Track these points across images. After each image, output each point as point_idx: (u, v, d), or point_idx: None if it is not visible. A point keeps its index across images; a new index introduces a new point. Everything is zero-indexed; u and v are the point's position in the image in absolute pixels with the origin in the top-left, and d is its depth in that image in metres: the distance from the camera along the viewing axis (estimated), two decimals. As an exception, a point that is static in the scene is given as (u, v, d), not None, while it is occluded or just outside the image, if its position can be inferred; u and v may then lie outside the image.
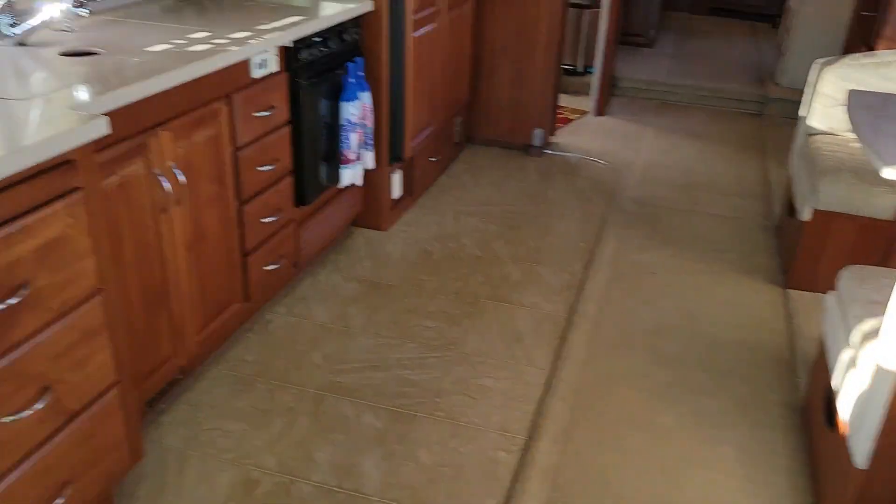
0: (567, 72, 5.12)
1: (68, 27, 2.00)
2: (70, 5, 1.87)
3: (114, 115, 1.65)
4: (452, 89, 3.63)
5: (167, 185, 1.87)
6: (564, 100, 4.84)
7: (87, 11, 1.89)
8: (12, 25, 1.91)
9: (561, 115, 4.60)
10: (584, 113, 4.78)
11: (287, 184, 2.48)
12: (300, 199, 2.58)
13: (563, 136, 4.38)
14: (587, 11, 5.03)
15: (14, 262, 1.31)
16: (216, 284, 2.19)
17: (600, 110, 4.77)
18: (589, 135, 4.47)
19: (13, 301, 1.31)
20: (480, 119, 4.12)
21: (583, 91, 5.01)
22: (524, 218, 3.39)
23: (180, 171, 1.92)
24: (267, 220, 2.38)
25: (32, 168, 1.34)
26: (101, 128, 1.46)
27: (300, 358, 2.37)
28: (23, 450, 1.39)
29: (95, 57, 1.88)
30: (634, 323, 2.67)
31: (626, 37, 5.81)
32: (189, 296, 2.05)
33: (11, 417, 1.34)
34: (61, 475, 1.49)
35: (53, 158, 1.39)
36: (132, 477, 1.88)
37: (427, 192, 3.60)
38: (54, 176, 1.38)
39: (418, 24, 3.00)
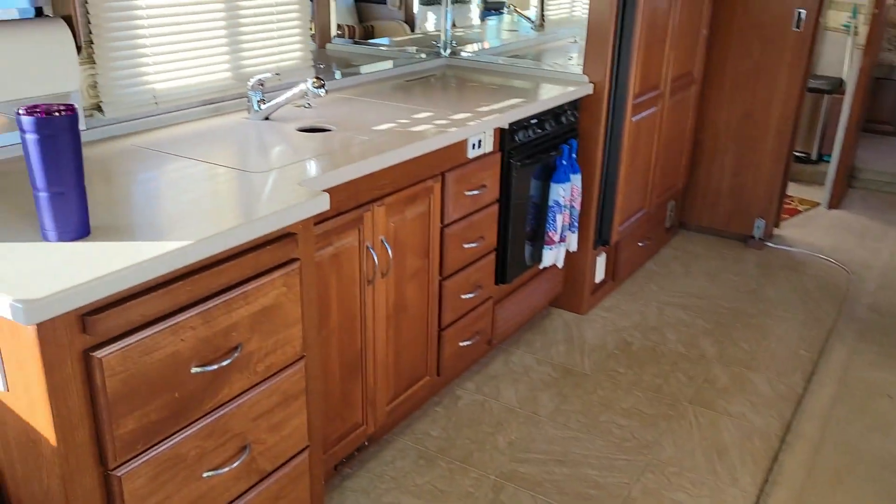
0: (798, 159, 4.76)
1: (308, 104, 2.17)
2: (310, 86, 2.02)
3: (336, 190, 1.74)
4: (668, 173, 3.49)
5: (375, 258, 1.93)
6: (793, 189, 4.49)
7: (325, 91, 2.04)
8: (260, 101, 2.11)
9: (788, 206, 4.26)
10: (815, 205, 4.39)
11: (489, 261, 2.49)
12: (501, 276, 2.57)
13: (788, 229, 4.04)
14: (827, 97, 4.67)
15: (231, 326, 1.40)
16: (411, 356, 2.22)
17: (835, 203, 4.35)
18: (819, 229, 4.08)
19: (226, 362, 1.39)
20: (696, 204, 3.92)
21: (816, 181, 4.62)
22: (738, 316, 3.13)
23: (389, 245, 1.98)
24: (466, 296, 2.39)
25: (259, 239, 1.44)
26: (324, 204, 1.54)
27: (484, 440, 2.32)
28: (231, 496, 1.46)
29: (327, 133, 2.02)
30: (862, 451, 2.33)
31: (871, 124, 5.30)
32: (384, 366, 2.10)
33: (211, 473, 1.42)
34: (247, 531, 1.54)
35: (278, 231, 1.48)
36: (311, 538, 1.91)
37: (632, 277, 3.45)
38: (276, 247, 1.47)
39: (639, 109, 2.93)
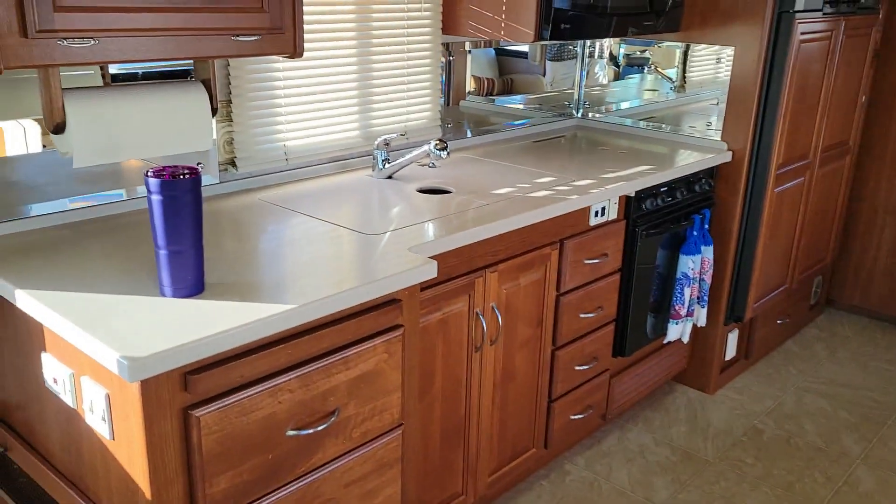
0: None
1: (432, 164, 2.18)
2: (433, 147, 2.04)
3: (448, 256, 1.73)
4: (815, 246, 3.23)
5: (485, 325, 1.89)
6: (963, 270, 4.03)
7: (447, 153, 2.05)
8: (385, 161, 2.15)
9: (956, 289, 3.83)
10: None
11: (607, 332, 2.38)
12: (619, 349, 2.45)
13: (955, 315, 3.63)
14: None
15: (329, 391, 1.40)
16: (517, 427, 2.14)
17: None
18: None
19: (321, 427, 1.39)
20: (847, 282, 3.61)
21: None
22: (890, 411, 2.82)
23: (500, 312, 1.94)
24: (580, 367, 2.30)
25: (363, 304, 1.44)
26: (431, 273, 1.53)
27: (590, 523, 2.19)
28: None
29: (446, 196, 2.02)
30: None
31: None
32: (488, 435, 2.03)
33: (298, 536, 1.41)
34: None
35: (383, 297, 1.48)
36: None
37: (767, 357, 3.20)
38: (380, 313, 1.47)
39: (782, 179, 2.74)
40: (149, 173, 1.27)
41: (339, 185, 2.08)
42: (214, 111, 1.63)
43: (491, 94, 2.77)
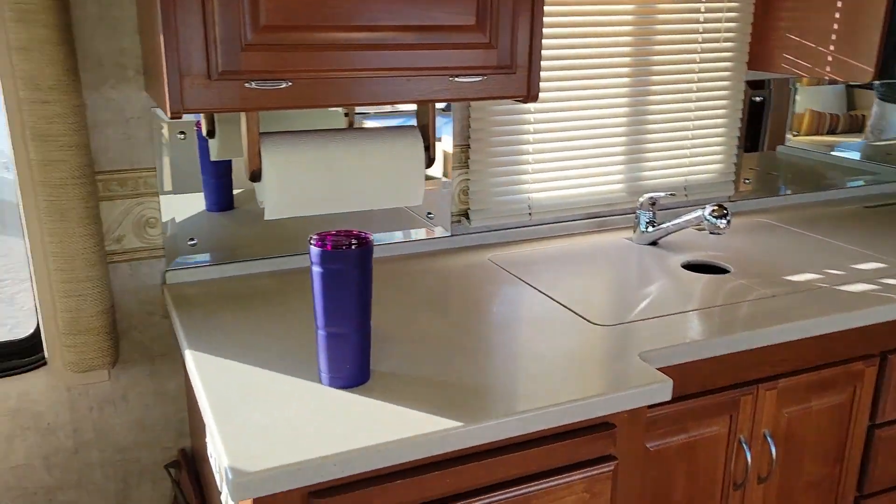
0: None
1: (714, 231, 1.74)
2: (707, 214, 1.60)
3: (705, 363, 1.30)
4: None
5: (749, 457, 1.41)
6: None
7: (727, 222, 1.59)
8: (649, 223, 1.75)
9: None
10: None
11: (951, 484, 1.70)
12: (969, 508, 1.74)
13: None
14: None
15: (502, 532, 1.08)
16: (792, 593, 1.59)
17: None
18: None
19: (486, 578, 1.07)
20: None
21: None
22: None
23: (774, 442, 1.44)
24: (900, 526, 1.66)
25: (557, 427, 1.10)
26: (661, 395, 1.13)
27: None
28: None
29: (720, 277, 1.57)
30: None
31: None
32: None
33: None
34: None
35: (588, 420, 1.12)
36: None
37: None
38: (583, 441, 1.11)
39: None
40: (312, 239, 1.07)
41: (588, 247, 1.74)
42: (430, 162, 1.40)
43: (834, 132, 2.18)
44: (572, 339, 1.27)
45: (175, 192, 1.46)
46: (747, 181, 2.05)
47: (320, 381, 1.12)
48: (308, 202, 1.32)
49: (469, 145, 1.69)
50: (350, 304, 1.07)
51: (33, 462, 1.45)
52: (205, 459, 1.35)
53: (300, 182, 1.30)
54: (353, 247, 1.06)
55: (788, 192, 2.11)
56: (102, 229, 1.39)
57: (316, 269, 1.06)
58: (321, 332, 1.09)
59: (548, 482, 1.09)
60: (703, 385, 1.34)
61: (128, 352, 1.48)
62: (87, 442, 1.48)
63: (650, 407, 1.30)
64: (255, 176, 1.29)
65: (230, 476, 0.90)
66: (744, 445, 1.41)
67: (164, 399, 1.52)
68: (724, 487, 1.42)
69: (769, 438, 1.43)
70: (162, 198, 1.45)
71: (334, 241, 1.06)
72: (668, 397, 1.13)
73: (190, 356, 1.20)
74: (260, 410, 1.04)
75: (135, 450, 1.53)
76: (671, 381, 1.13)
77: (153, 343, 1.49)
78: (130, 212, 1.43)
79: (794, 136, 2.13)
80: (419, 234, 1.69)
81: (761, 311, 1.38)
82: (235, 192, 1.52)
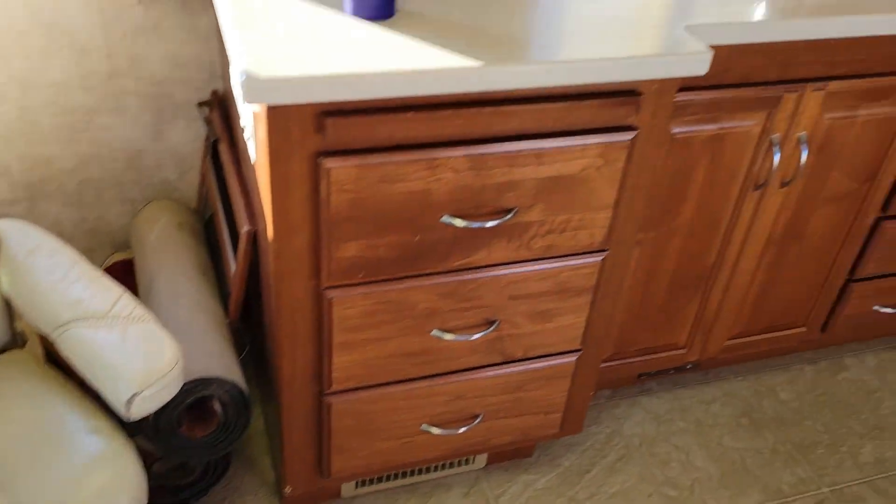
0: None
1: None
2: None
3: (755, 50, 1.22)
4: None
5: (777, 158, 1.38)
6: None
7: None
8: None
9: None
10: None
11: (979, 219, 1.67)
12: None
13: None
14: None
15: (508, 184, 1.10)
16: (785, 296, 1.66)
17: None
18: None
19: (490, 224, 1.11)
20: None
21: None
22: None
23: (807, 147, 1.40)
24: (914, 252, 1.67)
25: (580, 87, 1.06)
26: (698, 67, 1.07)
27: (844, 439, 1.72)
28: (459, 366, 1.28)
29: (795, -35, 1.41)
30: None
31: None
32: (740, 295, 1.60)
33: (441, 333, 1.22)
34: (476, 407, 1.35)
35: (615, 84, 1.08)
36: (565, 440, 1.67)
37: None
38: (604, 104, 1.08)
39: None
40: None
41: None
42: None
43: None
44: (619, 2, 1.18)
45: None
46: None
47: (344, 11, 1.07)
48: None
49: None
50: (378, -75, 0.99)
51: (70, 81, 1.48)
52: (233, 102, 1.36)
53: None
54: None
55: None
56: None
57: None
58: (346, -45, 1.02)
59: (563, 141, 1.08)
60: (745, 76, 1.27)
61: (157, -19, 1.44)
62: (122, 69, 1.50)
63: (684, 90, 1.24)
64: None
65: (244, 78, 0.90)
66: (775, 146, 1.37)
67: (196, 36, 1.51)
68: (745, 185, 1.41)
69: (804, 142, 1.39)
70: None
71: None
72: (704, 71, 1.07)
73: (213, -25, 1.15)
74: (282, 27, 1.01)
75: (169, 84, 1.55)
76: (711, 52, 1.06)
77: (183, -27, 1.44)
78: None
79: None
80: None
81: (835, 2, 1.25)
82: None
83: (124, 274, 1.62)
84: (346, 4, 1.07)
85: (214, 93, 1.58)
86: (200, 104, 1.59)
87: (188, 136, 1.62)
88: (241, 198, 1.29)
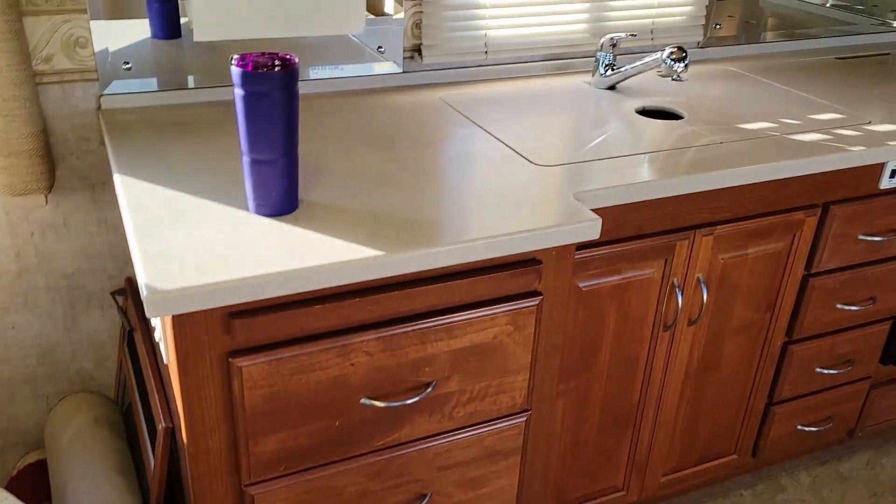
0: None
1: (676, 77, 1.68)
2: (666, 57, 1.55)
3: (646, 206, 1.30)
4: None
5: (680, 300, 1.45)
6: None
7: (685, 66, 1.54)
8: (608, 66, 1.70)
9: None
10: None
11: (878, 332, 1.77)
12: (894, 356, 1.82)
13: None
14: None
15: (423, 360, 1.11)
16: (712, 426, 1.69)
17: None
18: None
19: (410, 400, 1.12)
20: None
21: None
22: None
23: (706, 286, 1.47)
24: (825, 370, 1.74)
25: (481, 262, 1.11)
26: (590, 233, 1.13)
27: (789, 565, 1.71)
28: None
29: (673, 123, 1.54)
30: None
31: None
32: (669, 431, 1.62)
33: (368, 514, 1.19)
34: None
35: (515, 255, 1.13)
36: None
37: None
38: (507, 275, 1.12)
39: None
40: (232, 60, 1.02)
41: (543, 90, 1.69)
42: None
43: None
44: (510, 178, 1.25)
45: (116, 17, 1.38)
46: (718, 26, 1.97)
47: (247, 208, 1.11)
48: (238, 23, 1.25)
49: (423, -26, 1.60)
50: (274, 130, 1.04)
51: (-23, 284, 1.46)
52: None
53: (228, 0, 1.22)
54: (276, 68, 1.01)
55: (761, 41, 2.04)
56: (28, 47, 1.33)
57: (238, 92, 1.02)
58: (246, 159, 1.07)
59: (472, 313, 1.12)
60: (639, 229, 1.35)
61: (66, 178, 1.46)
62: (31, 266, 1.49)
63: (585, 247, 1.31)
64: (183, -8, 1.22)
65: (145, 293, 0.91)
66: (676, 289, 1.44)
67: (107, 227, 1.52)
68: (655, 328, 1.47)
69: (702, 283, 1.46)
70: (102, 22, 1.37)
71: (256, 61, 1.02)
72: (595, 236, 1.14)
73: (118, 179, 1.18)
74: (183, 233, 1.03)
75: (80, 276, 1.54)
76: (600, 219, 1.13)
77: (92, 171, 1.47)
78: (57, 29, 1.36)
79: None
80: (368, 69, 1.63)
81: (706, 157, 1.37)
82: (183, 20, 1.44)
83: (39, 476, 1.54)
84: (249, 205, 1.10)
85: (129, 280, 1.57)
86: (114, 293, 1.58)
87: (104, 324, 1.60)
88: (158, 392, 1.26)
